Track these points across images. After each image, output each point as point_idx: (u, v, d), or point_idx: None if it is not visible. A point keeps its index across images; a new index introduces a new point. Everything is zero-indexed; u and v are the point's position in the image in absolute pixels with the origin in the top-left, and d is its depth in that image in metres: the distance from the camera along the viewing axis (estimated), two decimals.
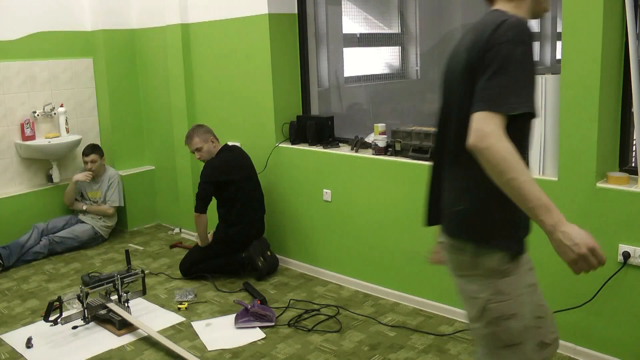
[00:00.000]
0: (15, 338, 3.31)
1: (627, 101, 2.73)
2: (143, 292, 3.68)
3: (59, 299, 3.29)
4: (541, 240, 2.94)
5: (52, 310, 3.30)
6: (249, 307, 3.38)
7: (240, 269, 4.08)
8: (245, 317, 3.36)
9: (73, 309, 3.50)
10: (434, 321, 3.33)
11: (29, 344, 3.21)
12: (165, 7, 4.77)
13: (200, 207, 3.97)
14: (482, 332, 1.82)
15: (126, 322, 3.33)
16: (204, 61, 4.63)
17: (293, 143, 4.15)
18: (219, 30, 4.44)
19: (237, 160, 4.08)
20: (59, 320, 3.27)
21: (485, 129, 1.49)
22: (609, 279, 2.69)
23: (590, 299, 2.76)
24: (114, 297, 3.51)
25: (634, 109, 2.60)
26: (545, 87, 2.84)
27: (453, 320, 3.32)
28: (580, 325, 2.84)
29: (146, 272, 4.02)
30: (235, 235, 4.04)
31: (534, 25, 3.83)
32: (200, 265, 4.08)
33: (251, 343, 3.17)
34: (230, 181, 3.97)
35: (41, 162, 4.98)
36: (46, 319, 3.27)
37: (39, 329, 3.39)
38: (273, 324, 3.35)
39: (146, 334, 3.26)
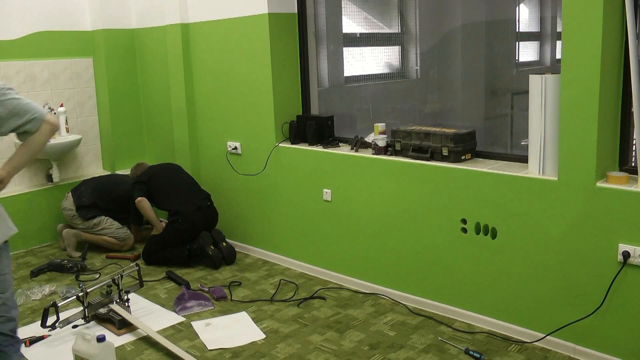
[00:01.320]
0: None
1: (627, 101, 2.73)
2: (140, 285, 3.71)
3: (54, 304, 3.27)
4: (546, 246, 2.96)
5: (48, 316, 3.26)
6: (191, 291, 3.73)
7: (188, 260, 4.33)
8: (182, 302, 3.62)
9: (68, 297, 3.51)
10: (434, 321, 3.33)
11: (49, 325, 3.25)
12: (165, 7, 4.77)
13: (137, 194, 4.42)
14: None
15: (126, 322, 3.33)
16: (204, 61, 4.63)
17: (293, 143, 4.15)
18: (219, 30, 4.44)
19: (156, 169, 4.63)
20: (57, 324, 3.26)
21: None
22: (613, 280, 2.69)
23: (600, 306, 2.75)
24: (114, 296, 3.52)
25: (634, 109, 2.60)
26: (545, 87, 2.84)
27: (453, 320, 3.32)
28: (579, 325, 2.84)
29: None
30: (181, 226, 4.32)
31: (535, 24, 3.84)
32: (156, 255, 4.37)
33: (251, 343, 3.17)
34: (153, 182, 4.46)
35: (41, 161, 4.98)
36: (43, 325, 3.24)
37: (39, 328, 3.39)
38: (212, 307, 3.63)
39: (146, 334, 3.27)
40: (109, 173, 5.23)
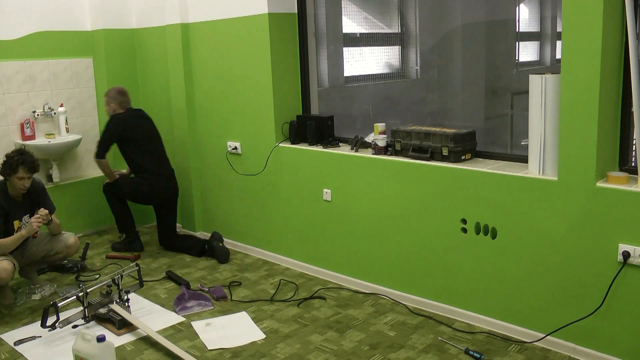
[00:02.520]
0: (15, 338, 3.31)
1: (627, 101, 2.73)
2: (140, 285, 3.72)
3: (54, 304, 3.26)
4: (546, 246, 2.96)
5: (48, 316, 3.27)
6: (191, 290, 3.68)
7: (201, 252, 4.53)
8: (182, 302, 3.62)
9: (68, 297, 3.49)
10: (434, 321, 3.33)
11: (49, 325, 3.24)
12: (165, 7, 4.77)
13: (101, 154, 4.48)
14: None
15: (126, 322, 3.33)
16: (204, 61, 4.63)
17: (293, 143, 4.15)
18: (219, 30, 4.44)
19: (138, 121, 4.57)
20: (57, 324, 3.26)
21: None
22: (613, 280, 2.69)
23: (600, 306, 2.75)
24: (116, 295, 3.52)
25: (634, 109, 2.60)
26: (545, 87, 2.84)
27: (453, 320, 3.32)
28: (579, 325, 2.84)
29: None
30: (146, 185, 4.51)
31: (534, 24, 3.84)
32: (171, 240, 4.68)
33: (251, 343, 3.17)
34: (131, 139, 4.45)
35: (41, 161, 4.96)
36: (43, 325, 3.25)
37: (39, 328, 3.39)
38: (212, 307, 3.62)
39: (146, 334, 3.26)
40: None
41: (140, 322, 3.33)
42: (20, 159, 3.61)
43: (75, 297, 3.39)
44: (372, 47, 4.60)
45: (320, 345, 3.12)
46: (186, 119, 4.78)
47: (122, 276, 3.52)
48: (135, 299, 3.74)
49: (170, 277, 4.09)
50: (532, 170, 2.96)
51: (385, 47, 4.54)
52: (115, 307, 3.40)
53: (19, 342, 3.23)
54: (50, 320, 3.26)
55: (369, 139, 3.77)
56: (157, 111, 5.24)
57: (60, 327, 3.29)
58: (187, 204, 5.01)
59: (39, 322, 3.43)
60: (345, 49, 4.53)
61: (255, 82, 4.24)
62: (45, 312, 3.26)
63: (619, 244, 2.65)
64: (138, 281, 3.73)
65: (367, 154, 3.67)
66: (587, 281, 2.78)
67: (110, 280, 3.49)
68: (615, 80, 2.71)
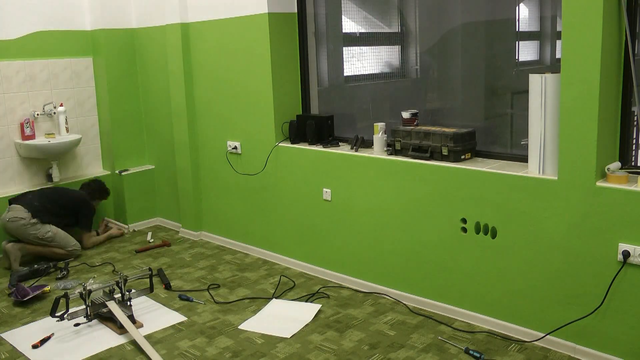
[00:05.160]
0: (15, 337, 3.31)
1: (627, 100, 2.74)
2: (150, 290, 3.74)
3: (66, 295, 3.33)
4: (546, 245, 2.95)
5: (58, 306, 3.33)
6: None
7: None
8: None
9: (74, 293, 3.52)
10: (433, 321, 3.33)
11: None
12: (165, 7, 4.77)
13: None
14: None
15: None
16: (203, 60, 4.63)
17: (293, 142, 4.15)
18: (218, 29, 4.44)
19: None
20: (65, 315, 3.31)
21: None
22: (613, 280, 2.69)
23: (600, 305, 2.75)
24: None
25: (635, 109, 2.60)
26: (545, 87, 2.84)
27: (453, 320, 3.33)
28: (579, 324, 2.84)
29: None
30: None
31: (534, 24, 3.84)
32: None
33: (250, 342, 3.18)
34: None
35: (41, 161, 4.98)
36: (52, 315, 3.30)
37: (39, 327, 3.40)
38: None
39: (147, 333, 3.27)
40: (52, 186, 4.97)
41: (130, 323, 3.27)
42: None
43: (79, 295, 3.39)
44: (372, 47, 4.59)
45: (320, 345, 3.12)
46: (186, 118, 4.78)
47: (126, 280, 3.52)
48: (137, 298, 3.73)
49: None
50: (532, 169, 2.96)
51: (385, 47, 4.54)
52: (112, 306, 3.37)
53: (36, 346, 3.21)
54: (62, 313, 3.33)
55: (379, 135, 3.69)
56: (157, 111, 5.25)
57: (68, 319, 3.31)
58: (187, 203, 5.00)
59: (39, 322, 3.45)
60: (345, 49, 4.53)
61: (255, 81, 4.24)
62: (56, 302, 3.31)
63: (619, 244, 2.65)
64: (149, 287, 3.74)
65: (367, 153, 3.67)
66: (587, 281, 2.78)
67: (114, 282, 3.50)
68: (615, 79, 2.71)
